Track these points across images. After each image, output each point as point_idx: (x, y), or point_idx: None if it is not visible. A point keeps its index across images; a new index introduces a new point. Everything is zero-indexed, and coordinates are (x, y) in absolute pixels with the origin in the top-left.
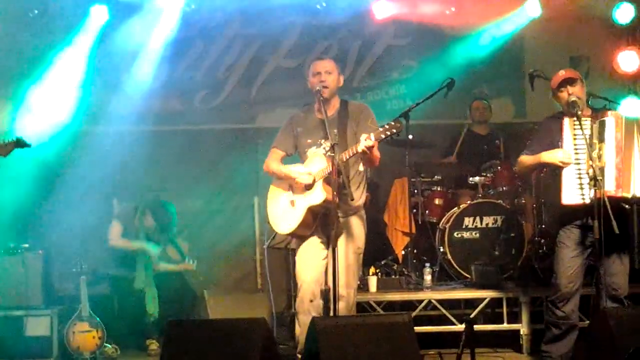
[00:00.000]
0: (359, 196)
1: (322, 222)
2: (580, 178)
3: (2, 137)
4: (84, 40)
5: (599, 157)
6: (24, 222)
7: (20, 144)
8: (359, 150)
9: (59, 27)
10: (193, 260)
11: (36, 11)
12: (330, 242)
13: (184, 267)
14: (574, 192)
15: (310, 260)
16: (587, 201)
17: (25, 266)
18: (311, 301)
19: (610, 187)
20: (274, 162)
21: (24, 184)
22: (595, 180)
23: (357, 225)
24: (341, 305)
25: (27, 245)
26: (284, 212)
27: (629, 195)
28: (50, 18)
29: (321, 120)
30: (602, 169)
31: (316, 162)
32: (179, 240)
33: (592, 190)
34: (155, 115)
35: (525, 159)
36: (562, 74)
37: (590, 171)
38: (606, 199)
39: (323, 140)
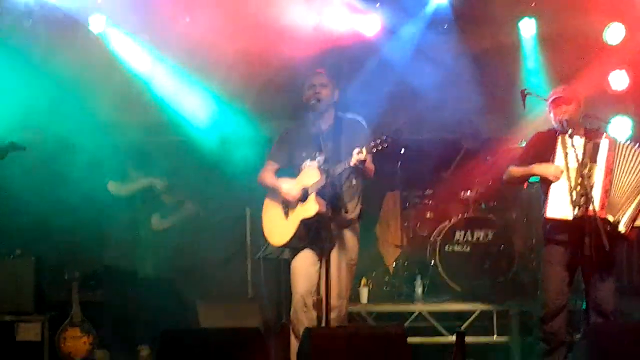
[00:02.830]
0: (353, 209)
1: (315, 235)
2: (566, 194)
3: None
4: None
5: (589, 176)
6: (15, 228)
7: (14, 147)
8: (351, 163)
9: None
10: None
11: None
12: (323, 254)
13: (188, 210)
14: (559, 206)
15: (304, 272)
16: (570, 217)
17: (17, 272)
18: (305, 312)
19: (596, 207)
20: (268, 174)
21: (16, 190)
22: (587, 197)
23: (351, 238)
24: (333, 315)
25: (19, 252)
26: (278, 224)
27: (612, 219)
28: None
29: (315, 133)
30: (591, 188)
31: (310, 175)
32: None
33: (577, 208)
34: (147, 125)
35: (515, 170)
36: (559, 91)
37: (579, 188)
38: (597, 216)
39: (317, 154)
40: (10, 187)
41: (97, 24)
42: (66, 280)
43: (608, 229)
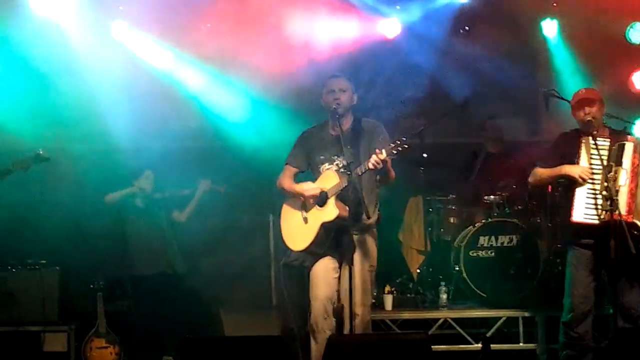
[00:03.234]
0: (372, 213)
1: (335, 240)
2: (592, 197)
3: (22, 152)
4: None
5: (614, 179)
6: (40, 238)
7: (39, 158)
8: (370, 165)
9: None
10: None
11: None
12: (343, 260)
13: (203, 187)
14: (584, 210)
15: (323, 278)
16: (597, 221)
17: (43, 282)
18: (325, 319)
19: (622, 211)
20: (286, 179)
21: (40, 200)
22: (612, 200)
23: (371, 243)
24: (355, 322)
25: (44, 262)
26: (298, 229)
27: (639, 223)
28: None
29: (335, 137)
30: (617, 191)
31: (329, 179)
32: None
33: (603, 212)
34: (171, 131)
35: (542, 171)
36: (582, 93)
37: (604, 192)
38: (623, 219)
39: (336, 157)
40: (34, 198)
41: (119, 30)
42: (91, 290)
43: (635, 232)
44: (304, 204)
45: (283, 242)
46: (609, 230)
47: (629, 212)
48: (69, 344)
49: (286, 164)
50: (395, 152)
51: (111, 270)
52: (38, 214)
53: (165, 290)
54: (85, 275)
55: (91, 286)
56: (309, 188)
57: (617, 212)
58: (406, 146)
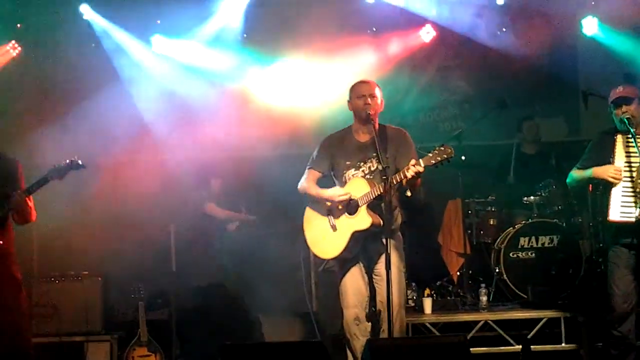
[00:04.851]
0: (396, 217)
1: (364, 246)
2: (628, 195)
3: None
4: None
5: None
6: (82, 248)
7: (75, 166)
8: (408, 175)
9: None
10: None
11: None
12: (372, 265)
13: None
14: (620, 209)
15: (353, 285)
16: (633, 219)
17: (85, 292)
18: (357, 325)
19: None
20: (311, 184)
21: (82, 210)
22: None
23: (398, 246)
24: (394, 325)
25: (86, 272)
26: (326, 236)
27: None
28: None
29: (362, 143)
30: None
31: (357, 186)
32: None
33: (638, 209)
34: (211, 142)
35: (577, 173)
36: (619, 90)
37: (638, 189)
38: None
39: (362, 163)
40: (77, 208)
41: (158, 44)
42: (133, 299)
43: None
44: (331, 210)
45: (308, 248)
46: None
47: None
48: (112, 353)
49: (310, 168)
50: (434, 161)
51: (152, 279)
52: (81, 225)
53: (205, 298)
54: (127, 284)
55: (133, 295)
56: (339, 193)
57: None
58: (445, 156)
